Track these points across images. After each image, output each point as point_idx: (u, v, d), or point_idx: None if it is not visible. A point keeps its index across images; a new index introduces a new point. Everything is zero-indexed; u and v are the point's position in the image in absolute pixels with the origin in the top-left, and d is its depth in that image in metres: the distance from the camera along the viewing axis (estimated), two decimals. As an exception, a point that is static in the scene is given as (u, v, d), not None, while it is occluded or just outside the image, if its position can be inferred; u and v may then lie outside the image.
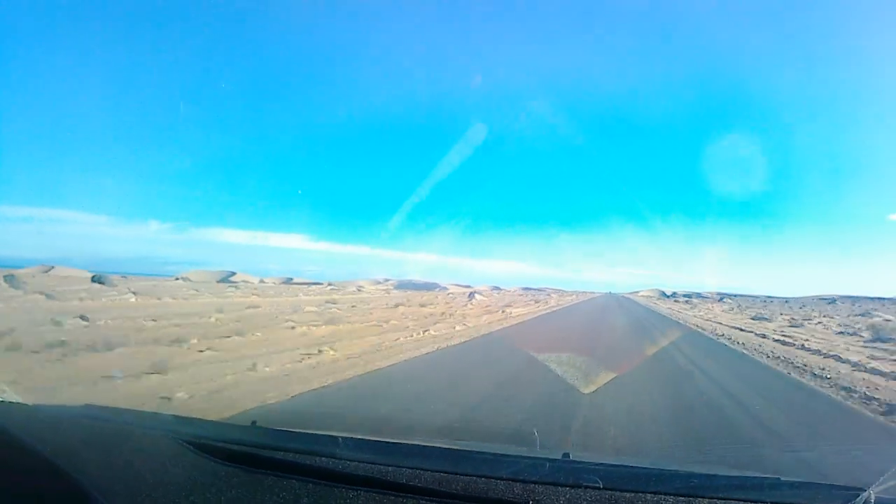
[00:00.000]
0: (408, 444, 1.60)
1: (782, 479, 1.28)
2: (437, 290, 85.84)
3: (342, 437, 1.50)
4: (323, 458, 1.34)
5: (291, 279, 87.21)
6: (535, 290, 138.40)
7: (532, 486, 1.19)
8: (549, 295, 72.71)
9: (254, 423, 1.79)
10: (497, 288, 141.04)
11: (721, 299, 69.55)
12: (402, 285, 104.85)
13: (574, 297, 74.82)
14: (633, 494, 1.15)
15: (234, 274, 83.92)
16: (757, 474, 1.42)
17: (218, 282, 61.19)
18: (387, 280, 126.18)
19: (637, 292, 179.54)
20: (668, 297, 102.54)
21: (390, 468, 1.27)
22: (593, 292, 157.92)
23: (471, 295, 45.43)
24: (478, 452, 1.44)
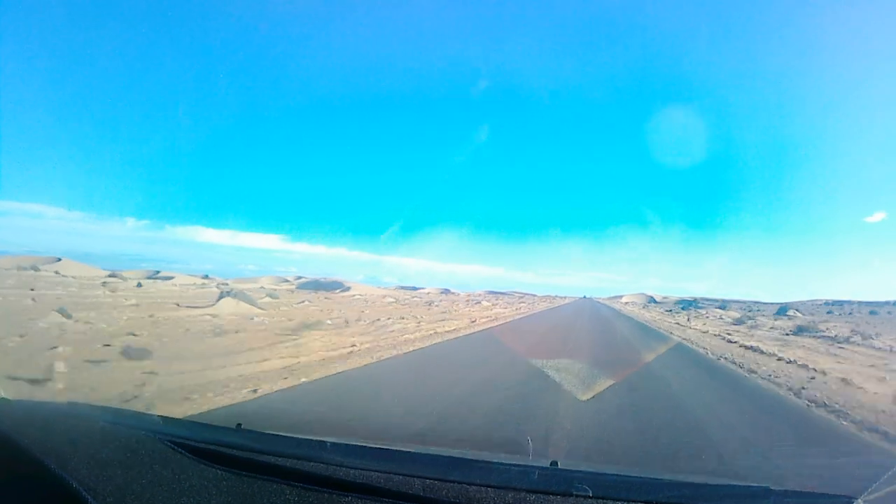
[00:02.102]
0: (398, 451, 1.53)
1: (772, 487, 1.25)
2: (339, 290, 67.18)
3: (331, 442, 1.46)
4: (312, 463, 1.31)
5: (158, 272, 72.99)
6: (503, 293, 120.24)
7: (523, 493, 1.17)
8: (482, 303, 43.81)
9: (239, 425, 1.72)
10: (447, 291, 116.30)
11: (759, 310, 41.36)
12: (306, 285, 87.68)
13: (525, 305, 46.50)
14: (623, 503, 1.14)
15: (59, 261, 67.33)
16: (746, 483, 1.41)
17: (19, 269, 51.88)
18: (299, 278, 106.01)
19: (619, 297, 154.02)
20: (656, 303, 75.29)
21: (381, 474, 1.24)
22: (565, 297, 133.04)
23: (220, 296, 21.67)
24: (468, 460, 1.43)
